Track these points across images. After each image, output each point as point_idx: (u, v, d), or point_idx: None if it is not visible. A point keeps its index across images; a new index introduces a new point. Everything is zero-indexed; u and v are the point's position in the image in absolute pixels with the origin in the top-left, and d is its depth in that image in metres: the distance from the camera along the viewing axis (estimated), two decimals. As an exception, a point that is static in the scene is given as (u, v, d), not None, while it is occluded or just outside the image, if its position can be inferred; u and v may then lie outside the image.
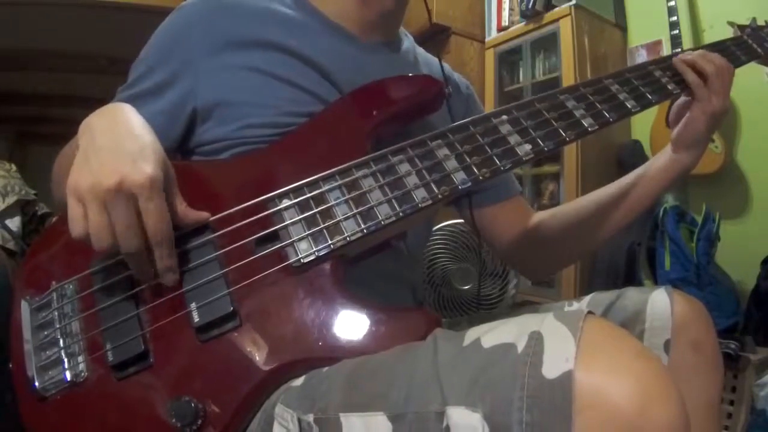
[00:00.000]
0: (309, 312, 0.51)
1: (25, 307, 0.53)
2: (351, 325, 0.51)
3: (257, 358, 0.49)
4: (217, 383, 0.48)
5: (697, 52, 0.70)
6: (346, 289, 0.53)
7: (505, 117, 0.62)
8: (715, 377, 0.57)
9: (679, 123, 0.71)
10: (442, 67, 0.77)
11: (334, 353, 0.49)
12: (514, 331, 0.39)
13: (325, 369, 0.48)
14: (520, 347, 0.37)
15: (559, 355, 0.35)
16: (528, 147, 0.60)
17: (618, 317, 0.60)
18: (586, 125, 0.63)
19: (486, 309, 1.34)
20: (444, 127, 0.60)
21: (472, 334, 0.42)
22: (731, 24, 0.84)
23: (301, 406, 0.45)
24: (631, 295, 0.62)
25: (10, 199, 1.74)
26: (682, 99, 0.71)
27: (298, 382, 0.48)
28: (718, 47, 0.75)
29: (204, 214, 0.54)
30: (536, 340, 0.37)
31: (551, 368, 0.35)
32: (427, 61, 0.82)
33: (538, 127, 0.61)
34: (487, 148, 0.59)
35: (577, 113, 0.63)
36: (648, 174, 0.72)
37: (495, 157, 0.59)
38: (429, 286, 1.32)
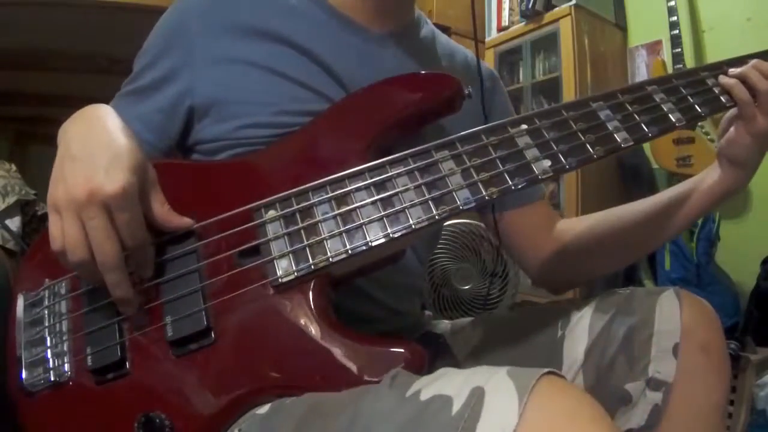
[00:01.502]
0: (280, 336, 0.48)
1: (20, 302, 0.53)
2: (319, 355, 0.47)
3: (225, 381, 0.47)
4: (185, 401, 0.47)
5: (750, 63, 0.61)
6: (325, 314, 0.49)
7: (524, 126, 0.54)
8: (722, 379, 0.55)
9: (723, 138, 0.63)
10: (478, 60, 0.71)
11: (297, 383, 0.46)
12: (457, 382, 0.35)
13: (289, 401, 0.46)
14: (457, 405, 0.33)
15: (495, 424, 0.31)
16: (547, 164, 0.52)
17: (626, 322, 0.58)
18: (619, 140, 0.54)
19: (487, 309, 1.34)
20: (454, 134, 0.54)
21: (419, 383, 0.39)
22: None
23: None
24: (638, 297, 0.59)
25: (10, 199, 1.74)
26: (733, 110, 0.62)
27: (264, 410, 0.46)
28: None
29: (187, 220, 0.51)
30: (477, 398, 0.33)
31: None
32: (451, 50, 0.75)
33: (561, 141, 0.53)
34: (498, 162, 0.52)
35: (611, 125, 0.55)
36: (698, 189, 0.65)
37: (506, 174, 0.52)
38: (429, 286, 1.32)
